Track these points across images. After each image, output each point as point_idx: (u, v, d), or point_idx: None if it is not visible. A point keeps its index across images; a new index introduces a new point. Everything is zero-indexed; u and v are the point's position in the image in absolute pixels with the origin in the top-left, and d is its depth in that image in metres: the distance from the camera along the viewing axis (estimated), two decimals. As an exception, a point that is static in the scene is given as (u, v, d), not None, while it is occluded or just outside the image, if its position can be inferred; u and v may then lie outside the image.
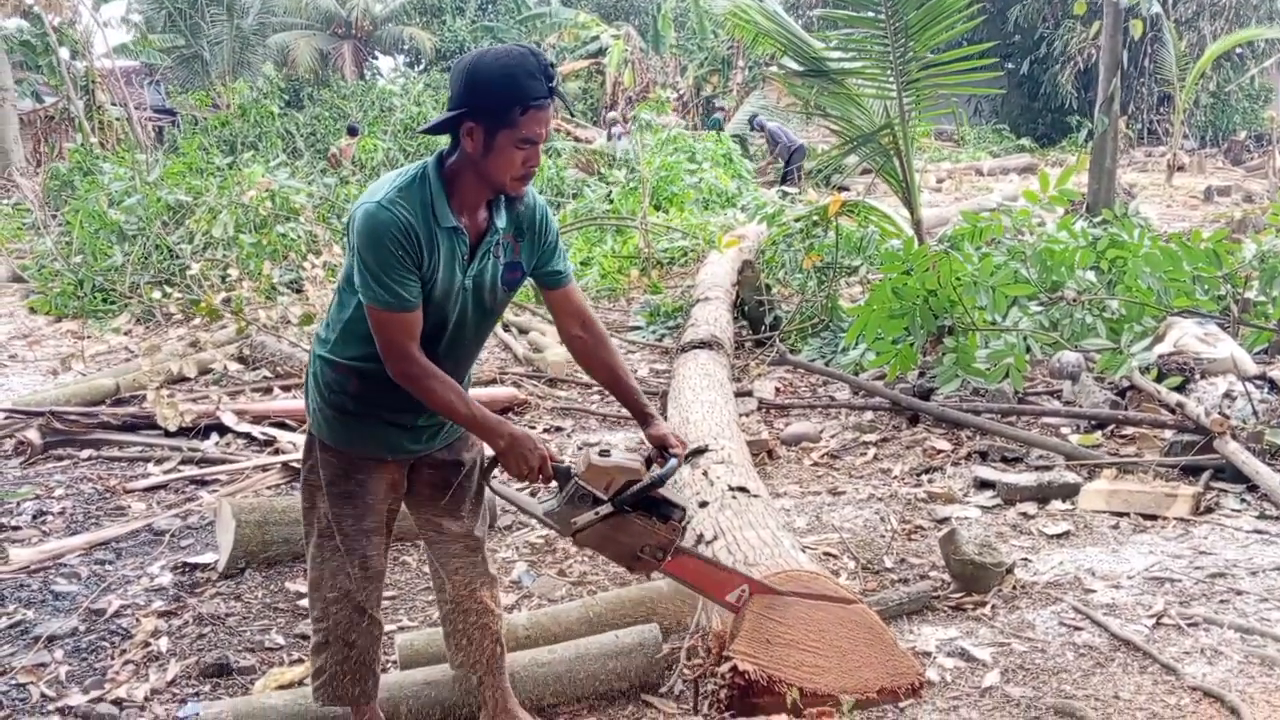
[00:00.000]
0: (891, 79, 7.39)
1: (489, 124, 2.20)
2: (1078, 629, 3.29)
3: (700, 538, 3.13)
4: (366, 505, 2.50)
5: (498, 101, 2.18)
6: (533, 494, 2.60)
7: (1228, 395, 4.90)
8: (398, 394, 2.35)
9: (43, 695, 3.14)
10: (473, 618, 2.71)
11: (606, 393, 6.38)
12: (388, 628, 3.22)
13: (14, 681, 3.21)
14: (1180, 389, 5.02)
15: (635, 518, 2.35)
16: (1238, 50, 22.79)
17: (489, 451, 2.40)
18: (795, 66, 8.01)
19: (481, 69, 2.20)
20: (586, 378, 6.94)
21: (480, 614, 2.70)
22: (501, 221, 2.38)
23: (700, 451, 3.84)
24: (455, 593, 2.69)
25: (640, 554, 2.39)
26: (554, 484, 2.40)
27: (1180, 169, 18.70)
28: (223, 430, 5.58)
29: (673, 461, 2.42)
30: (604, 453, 2.37)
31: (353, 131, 16.21)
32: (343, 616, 2.54)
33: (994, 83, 9.76)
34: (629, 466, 2.35)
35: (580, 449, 2.40)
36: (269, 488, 4.89)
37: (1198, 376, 5.17)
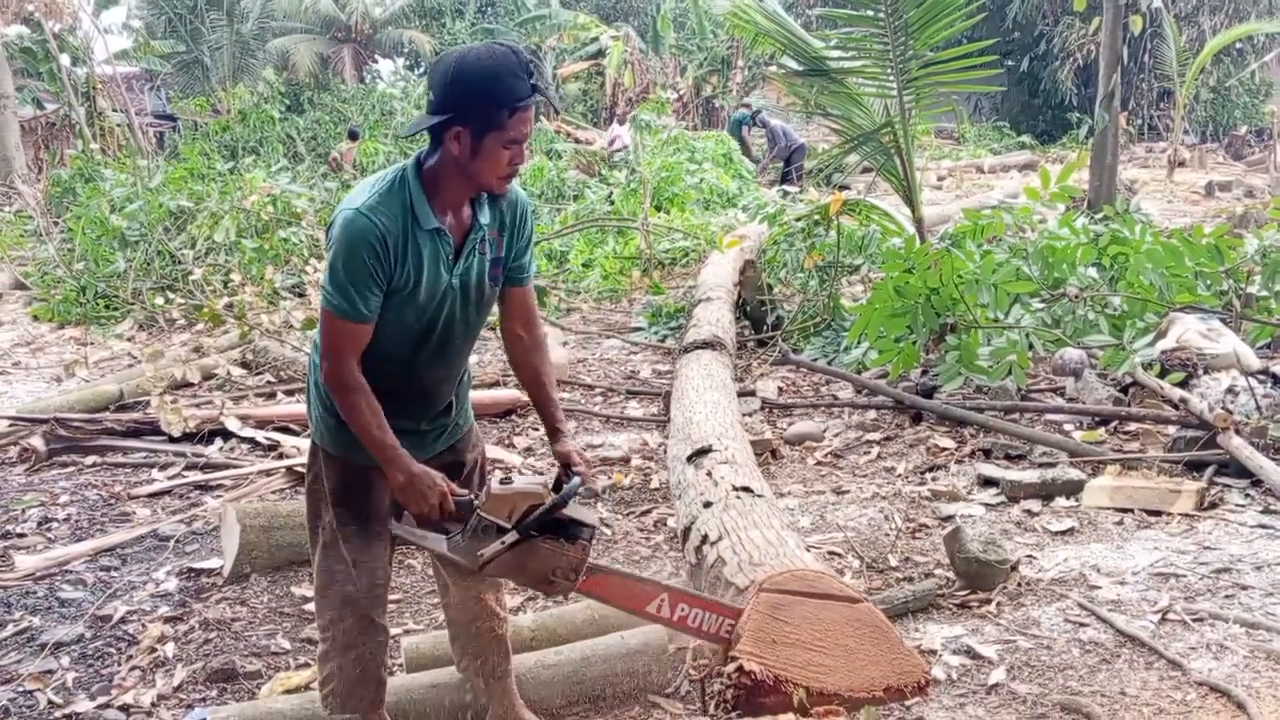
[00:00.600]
0: (892, 77, 7.39)
1: (476, 127, 2.19)
2: (1083, 625, 3.29)
3: (705, 538, 3.13)
4: (371, 512, 2.50)
5: (485, 105, 2.18)
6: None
7: (1231, 391, 4.90)
8: (398, 400, 2.36)
9: (50, 702, 3.15)
10: (478, 621, 2.71)
11: (609, 394, 6.41)
12: (393, 632, 3.22)
13: (21, 689, 3.22)
14: (1183, 385, 5.02)
15: (542, 542, 2.31)
16: (1238, 45, 22.78)
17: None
18: (795, 66, 8.01)
19: (466, 72, 2.19)
20: (588, 379, 6.98)
21: (485, 617, 2.71)
22: (485, 218, 2.37)
23: (704, 451, 3.84)
24: (460, 596, 2.69)
25: (553, 577, 2.35)
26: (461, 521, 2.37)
27: (1181, 164, 18.69)
28: (227, 435, 5.58)
29: (575, 480, 2.38)
30: (505, 480, 2.35)
31: (353, 135, 16.22)
32: (349, 624, 2.54)
33: (994, 80, 9.78)
34: (530, 491, 2.33)
35: (487, 480, 2.38)
36: (274, 492, 4.89)
37: (1201, 372, 5.16)
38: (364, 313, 2.24)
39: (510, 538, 2.30)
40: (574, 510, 2.35)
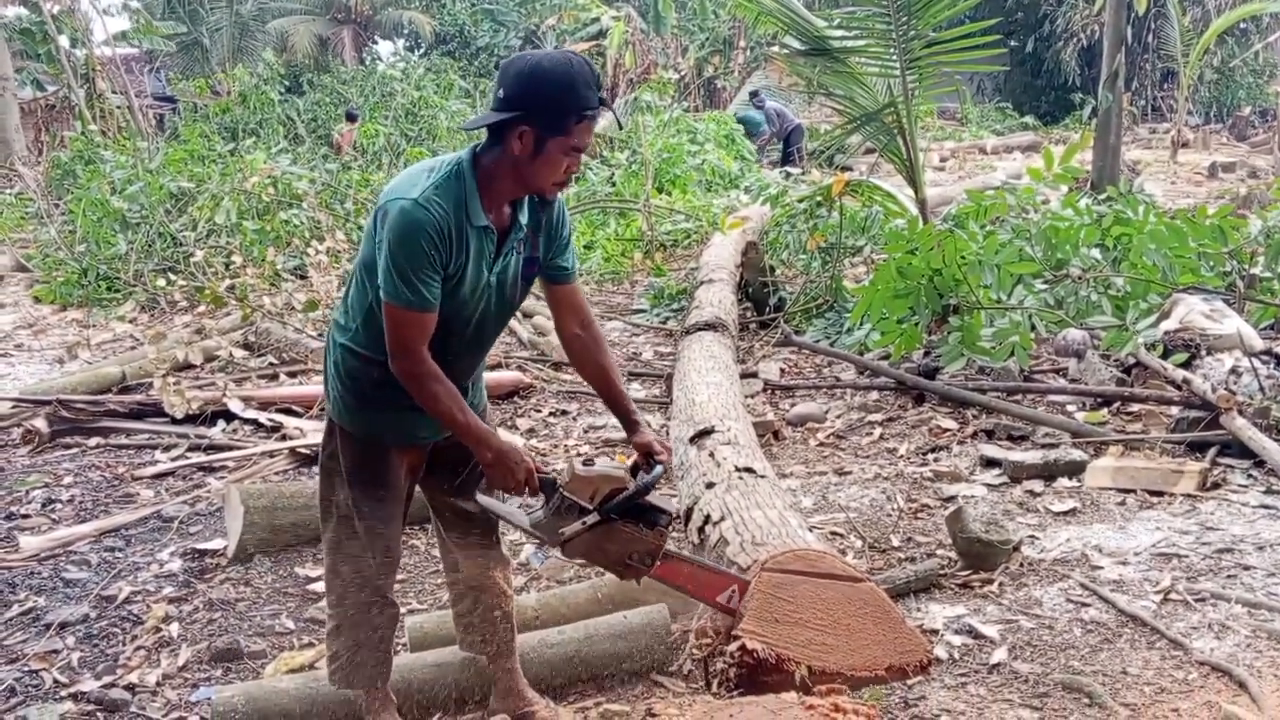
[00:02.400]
0: (894, 57, 7.35)
1: (543, 130, 2.21)
2: (1085, 605, 3.30)
3: (708, 519, 3.14)
4: (386, 491, 2.51)
5: (557, 109, 2.20)
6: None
7: (1234, 371, 4.90)
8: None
9: (55, 681, 3.17)
10: (486, 599, 2.72)
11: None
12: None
13: (27, 668, 3.23)
14: (1186, 365, 5.02)
15: (622, 526, 2.37)
16: (1242, 25, 22.62)
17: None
18: (798, 46, 7.97)
19: (541, 75, 2.21)
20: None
21: (493, 595, 2.72)
22: (524, 218, 2.38)
23: (706, 432, 3.84)
24: (468, 574, 2.70)
25: (629, 561, 2.41)
26: (542, 496, 2.42)
27: (1185, 145, 18.61)
28: (229, 417, 5.58)
29: (658, 469, 2.43)
30: (588, 462, 2.40)
31: (351, 117, 16.14)
32: (360, 601, 2.56)
33: (997, 60, 9.74)
34: (613, 475, 2.38)
35: (568, 460, 2.41)
36: (277, 473, 4.90)
37: (1204, 353, 5.16)
38: (428, 300, 2.24)
39: (592, 519, 2.35)
40: (655, 498, 2.40)
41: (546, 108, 2.20)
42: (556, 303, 2.57)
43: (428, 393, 2.30)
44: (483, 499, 2.50)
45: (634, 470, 2.45)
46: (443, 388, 2.30)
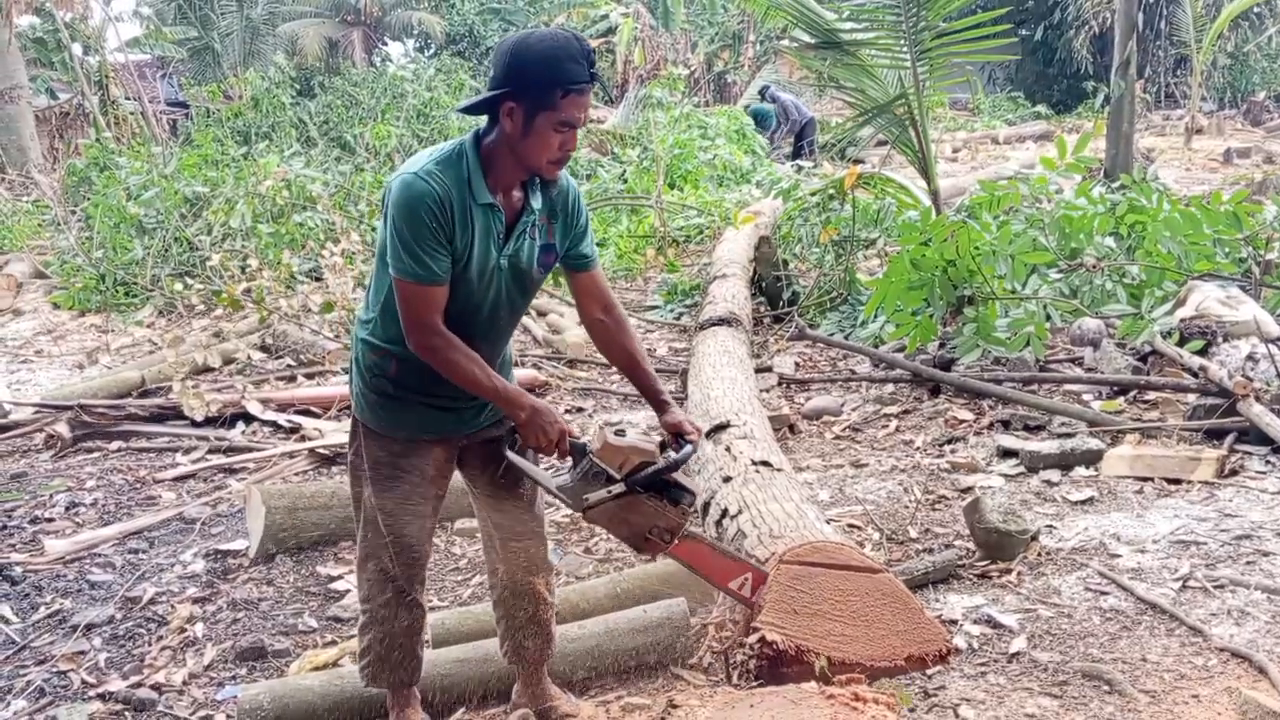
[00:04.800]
0: (905, 48, 7.34)
1: (529, 105, 2.21)
2: (1104, 594, 3.30)
3: (725, 512, 3.15)
4: (411, 488, 2.51)
5: (540, 83, 2.20)
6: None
7: (1250, 358, 4.88)
8: (436, 375, 2.36)
9: (83, 682, 3.21)
10: (526, 605, 2.66)
11: (626, 372, 6.43)
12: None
13: (55, 669, 3.27)
14: (1202, 353, 5.00)
15: (647, 499, 2.37)
16: (1256, 9, 22.44)
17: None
18: (808, 39, 7.96)
19: (525, 50, 2.22)
20: (605, 358, 6.96)
21: (533, 602, 2.66)
22: (537, 203, 2.39)
23: (722, 427, 3.86)
24: (506, 578, 2.65)
25: (649, 535, 2.40)
26: (570, 460, 2.42)
27: (1199, 131, 18.49)
28: (249, 419, 5.63)
29: (688, 448, 2.43)
30: (620, 432, 2.39)
31: None
32: (386, 598, 2.57)
33: (1008, 49, 9.69)
34: (644, 448, 2.37)
35: (600, 428, 2.41)
36: (297, 474, 4.94)
37: (1220, 340, 5.14)
38: (437, 273, 2.25)
39: (618, 489, 2.35)
40: (682, 476, 2.40)
41: (532, 83, 2.20)
42: (579, 291, 2.58)
43: (448, 361, 2.29)
44: (512, 456, 2.48)
45: (663, 448, 2.45)
46: (461, 354, 2.29)
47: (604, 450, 2.35)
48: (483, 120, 2.35)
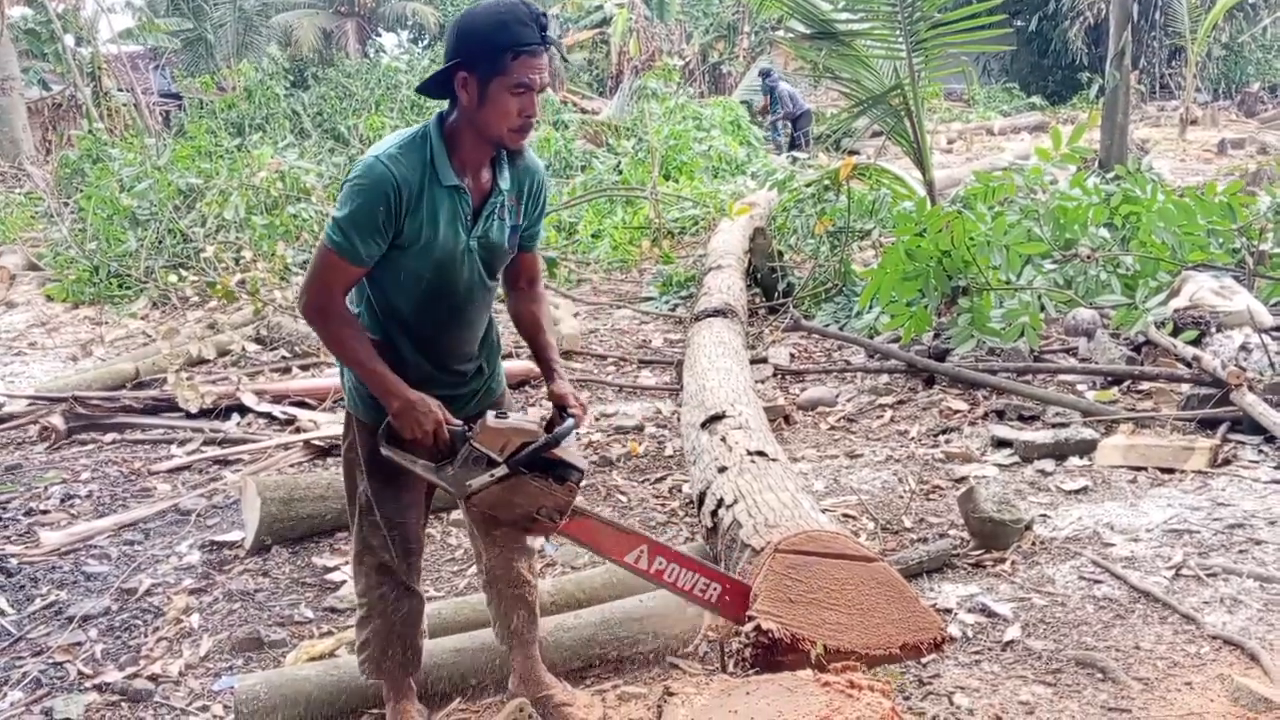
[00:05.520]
0: (900, 39, 7.33)
1: (481, 73, 2.20)
2: (1097, 582, 3.32)
3: (720, 502, 3.16)
4: (403, 481, 2.51)
5: (487, 48, 2.18)
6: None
7: (1244, 348, 4.90)
8: (422, 368, 2.38)
9: (80, 673, 3.21)
10: (510, 588, 2.72)
11: (622, 364, 6.44)
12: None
13: (51, 660, 3.28)
14: (1196, 343, 5.02)
15: (531, 479, 2.32)
16: (1250, 0, 22.47)
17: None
18: (803, 29, 7.95)
19: (471, 20, 2.22)
20: (600, 349, 6.99)
21: (516, 584, 2.72)
22: (505, 183, 2.38)
23: (717, 418, 3.86)
24: (490, 563, 2.70)
25: (537, 516, 2.36)
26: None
27: (1193, 123, 18.51)
28: (243, 411, 5.63)
29: (569, 421, 2.39)
30: (501, 415, 2.35)
31: None
32: (384, 590, 2.58)
33: (1003, 40, 9.68)
34: (525, 428, 2.33)
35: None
36: (292, 465, 4.94)
37: (1214, 330, 5.16)
38: (362, 256, 2.25)
39: (500, 471, 2.31)
40: (565, 452, 2.35)
41: (480, 50, 2.19)
42: (513, 265, 2.57)
43: (335, 335, 2.31)
44: (386, 450, 2.41)
45: (549, 428, 2.40)
46: (351, 331, 2.30)
47: (483, 434, 2.30)
48: None
